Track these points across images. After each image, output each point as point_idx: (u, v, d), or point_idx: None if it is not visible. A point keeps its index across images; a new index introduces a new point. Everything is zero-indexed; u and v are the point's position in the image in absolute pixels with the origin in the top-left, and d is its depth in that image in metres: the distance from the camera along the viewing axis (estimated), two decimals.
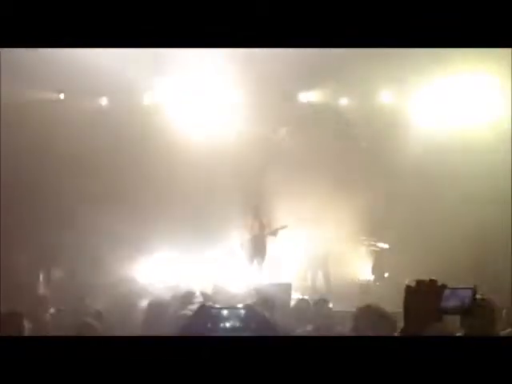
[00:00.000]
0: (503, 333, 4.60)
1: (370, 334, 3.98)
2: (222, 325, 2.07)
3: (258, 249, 12.41)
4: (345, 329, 4.61)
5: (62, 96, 13.75)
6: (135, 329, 6.17)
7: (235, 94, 13.79)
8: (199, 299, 6.28)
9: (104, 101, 14.17)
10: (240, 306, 2.12)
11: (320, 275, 12.44)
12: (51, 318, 6.19)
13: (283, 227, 12.44)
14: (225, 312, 2.08)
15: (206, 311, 2.09)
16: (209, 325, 2.07)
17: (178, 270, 13.35)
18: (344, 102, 13.93)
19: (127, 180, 13.53)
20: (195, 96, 13.91)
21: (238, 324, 2.08)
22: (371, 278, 13.52)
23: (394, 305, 2.01)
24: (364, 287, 12.93)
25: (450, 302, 1.89)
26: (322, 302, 7.41)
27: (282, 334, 2.23)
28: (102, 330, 5.15)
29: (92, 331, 5.02)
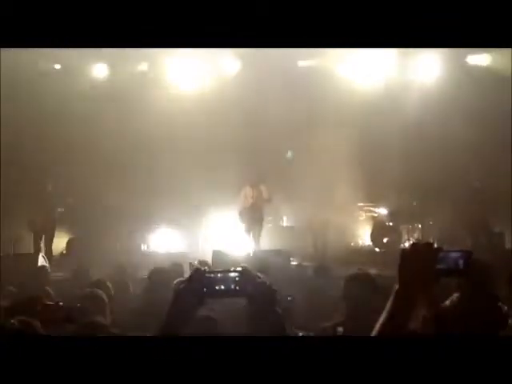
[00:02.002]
0: (503, 296, 4.62)
1: (360, 299, 4.01)
2: (217, 288, 2.07)
3: (256, 217, 12.44)
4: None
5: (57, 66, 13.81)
6: (136, 298, 6.21)
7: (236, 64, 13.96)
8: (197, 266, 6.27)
9: (104, 70, 14.17)
10: (235, 268, 2.12)
11: (319, 241, 12.40)
12: (53, 288, 6.18)
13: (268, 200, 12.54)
14: (220, 275, 2.08)
15: (201, 275, 2.08)
16: (204, 289, 2.06)
17: (178, 239, 13.44)
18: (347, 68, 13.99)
19: (129, 152, 13.57)
20: (195, 64, 14.00)
21: (233, 287, 2.08)
22: (371, 243, 13.55)
23: (393, 269, 2.02)
24: (363, 253, 12.97)
25: (446, 265, 1.90)
26: (321, 268, 7.39)
27: (279, 297, 2.23)
28: (107, 300, 5.15)
29: (98, 301, 4.99)
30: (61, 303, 3.39)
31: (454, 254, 1.91)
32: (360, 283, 4.17)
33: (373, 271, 4.39)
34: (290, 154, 14.28)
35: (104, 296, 5.00)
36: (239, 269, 2.11)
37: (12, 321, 2.80)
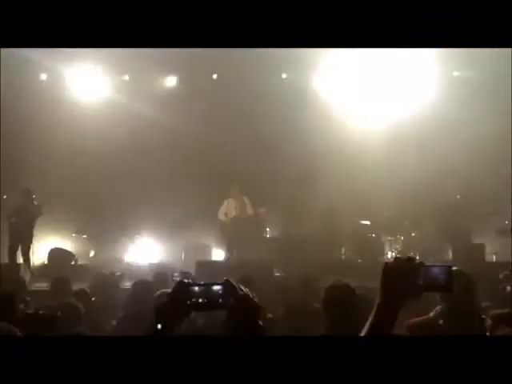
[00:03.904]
0: (481, 306, 4.74)
1: (339, 310, 4.03)
2: (200, 300, 2.10)
3: (239, 228, 12.43)
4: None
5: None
6: (118, 309, 6.22)
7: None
8: (179, 277, 6.34)
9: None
10: (218, 281, 2.14)
11: (299, 253, 12.37)
12: (32, 300, 6.18)
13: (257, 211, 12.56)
14: (203, 288, 2.11)
15: (184, 288, 2.10)
16: (188, 302, 2.08)
17: (162, 250, 13.45)
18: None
19: (113, 162, 13.56)
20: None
21: (216, 299, 2.11)
22: (354, 255, 13.58)
23: (375, 281, 2.05)
24: (346, 264, 12.99)
25: (427, 280, 1.95)
26: (305, 279, 7.42)
27: (263, 310, 2.25)
28: (84, 310, 5.15)
29: (74, 311, 5.00)
30: (41, 312, 3.38)
31: (435, 270, 1.97)
32: (340, 294, 4.18)
33: (355, 283, 4.41)
34: None
35: (80, 306, 4.99)
36: (222, 282, 2.14)
37: None
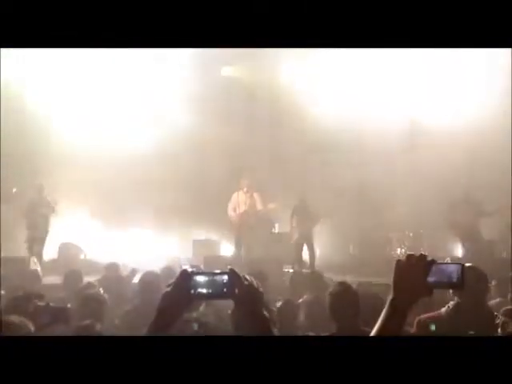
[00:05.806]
0: (493, 302, 4.75)
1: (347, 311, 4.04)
2: (204, 289, 2.09)
3: (248, 223, 12.45)
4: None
5: None
6: (127, 302, 6.26)
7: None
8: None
9: None
10: (222, 271, 2.13)
11: (306, 248, 12.40)
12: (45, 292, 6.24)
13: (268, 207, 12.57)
14: (207, 277, 2.09)
15: (188, 277, 2.09)
16: (192, 291, 2.08)
17: (170, 245, 13.50)
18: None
19: (122, 161, 13.64)
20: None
21: (221, 289, 2.10)
22: (362, 251, 13.57)
23: (383, 277, 2.08)
24: (354, 260, 12.99)
25: (439, 278, 1.97)
26: (315, 274, 7.43)
27: (267, 304, 2.24)
28: (107, 300, 5.18)
29: (98, 304, 5.03)
30: (51, 304, 3.42)
31: (447, 267, 1.99)
32: (344, 297, 4.19)
33: (363, 279, 4.41)
34: None
35: (102, 298, 5.03)
36: (226, 271, 2.12)
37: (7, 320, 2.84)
